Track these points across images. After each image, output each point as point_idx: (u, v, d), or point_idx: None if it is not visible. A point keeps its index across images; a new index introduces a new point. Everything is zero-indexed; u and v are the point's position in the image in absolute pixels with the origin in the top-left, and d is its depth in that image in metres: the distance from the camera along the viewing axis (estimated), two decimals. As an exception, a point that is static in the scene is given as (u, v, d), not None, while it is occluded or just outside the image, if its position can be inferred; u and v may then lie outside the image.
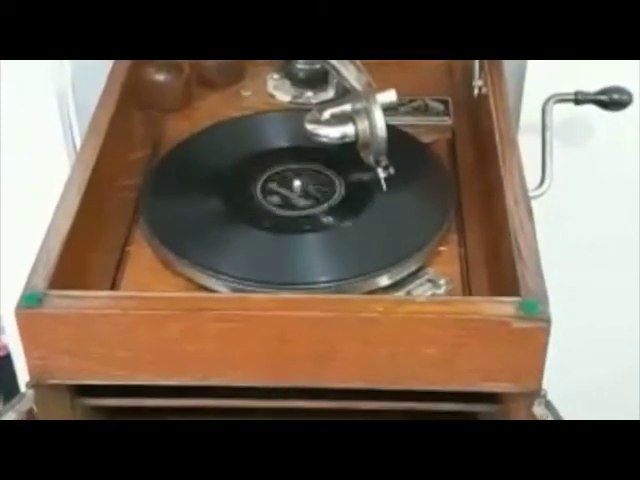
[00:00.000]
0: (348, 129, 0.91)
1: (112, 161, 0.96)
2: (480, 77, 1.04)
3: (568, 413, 0.80)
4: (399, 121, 1.04)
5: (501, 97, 0.99)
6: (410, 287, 0.86)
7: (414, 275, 0.87)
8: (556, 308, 0.77)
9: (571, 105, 1.08)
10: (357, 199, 0.93)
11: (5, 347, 1.37)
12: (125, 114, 1.02)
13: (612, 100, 1.06)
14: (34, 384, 0.81)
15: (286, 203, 0.93)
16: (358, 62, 0.93)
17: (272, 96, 1.11)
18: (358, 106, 0.91)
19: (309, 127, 0.93)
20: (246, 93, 1.12)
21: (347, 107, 0.93)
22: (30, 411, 0.81)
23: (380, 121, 0.89)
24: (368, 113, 0.89)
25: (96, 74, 1.04)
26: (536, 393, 0.79)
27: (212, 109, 1.09)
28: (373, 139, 0.89)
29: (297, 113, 0.99)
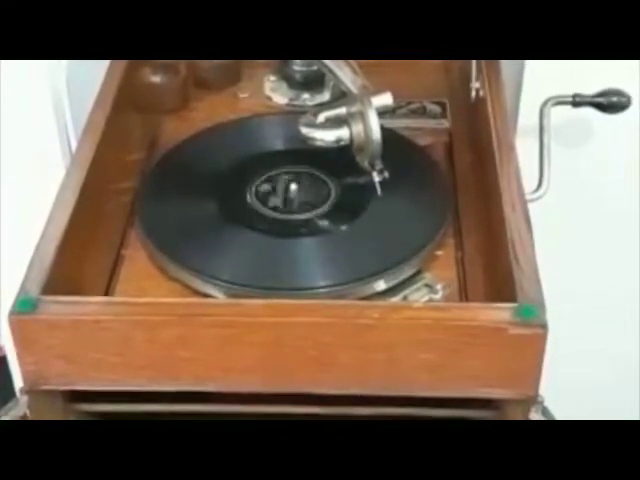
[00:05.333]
0: (343, 132, 0.90)
1: (108, 163, 0.96)
2: (477, 79, 1.03)
3: (567, 414, 0.80)
4: (396, 123, 1.03)
5: (498, 99, 0.98)
6: (407, 292, 0.85)
7: (411, 280, 0.86)
8: (554, 312, 0.77)
9: (569, 108, 1.07)
10: (353, 203, 0.92)
11: (1, 349, 1.36)
12: (121, 115, 1.01)
13: (610, 103, 1.06)
14: (28, 390, 0.80)
15: (282, 207, 0.92)
16: (354, 64, 0.93)
17: (269, 98, 1.10)
18: (353, 109, 0.91)
19: (304, 130, 0.92)
20: (243, 95, 1.12)
21: (342, 110, 0.92)
22: (24, 417, 0.81)
23: (375, 125, 0.88)
24: (363, 116, 0.89)
25: (92, 75, 1.03)
26: (533, 399, 0.79)
27: (209, 111, 1.09)
28: (368, 143, 0.89)
29: (293, 116, 0.98)
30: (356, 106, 0.90)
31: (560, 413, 0.80)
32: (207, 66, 1.11)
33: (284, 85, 1.10)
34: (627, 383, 1.34)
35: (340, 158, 0.93)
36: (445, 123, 1.06)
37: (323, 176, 0.96)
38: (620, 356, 1.32)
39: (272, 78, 1.11)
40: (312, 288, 0.84)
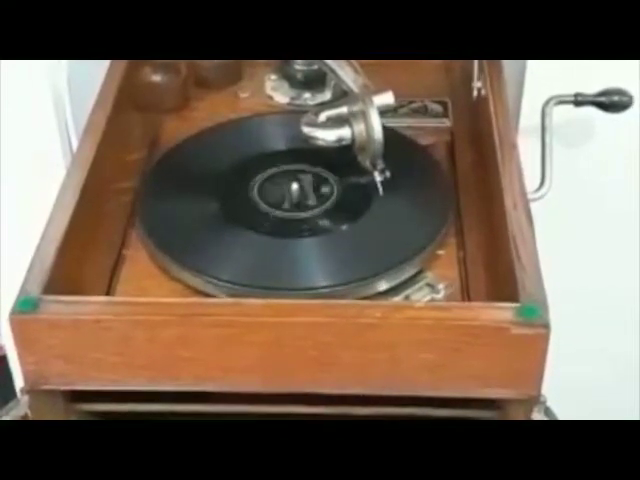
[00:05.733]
0: (344, 132, 0.90)
1: (108, 163, 0.95)
2: (479, 79, 1.03)
3: (567, 413, 0.80)
4: (398, 123, 1.03)
5: (500, 99, 0.98)
6: (408, 292, 0.85)
7: (412, 279, 0.86)
8: (554, 312, 0.76)
9: (571, 107, 1.07)
10: (355, 202, 0.92)
11: (2, 348, 1.36)
12: (122, 115, 1.01)
13: (612, 102, 1.05)
14: (29, 389, 0.80)
15: (283, 206, 0.92)
16: (355, 64, 0.93)
17: (270, 97, 1.10)
18: (355, 108, 0.91)
19: (305, 130, 0.92)
20: (244, 94, 1.11)
21: (344, 109, 0.92)
22: (25, 417, 0.80)
23: (376, 124, 0.88)
24: (365, 116, 0.89)
25: (93, 74, 1.03)
26: (535, 399, 0.79)
27: (209, 110, 1.09)
28: (369, 142, 0.89)
29: (294, 115, 0.98)
30: (357, 105, 0.90)
31: (560, 413, 0.80)
32: (208, 65, 1.11)
33: (285, 84, 1.10)
34: (627, 383, 1.34)
35: (341, 157, 0.93)
36: (447, 122, 1.06)
37: (324, 175, 0.95)
38: (620, 356, 1.32)
39: (273, 77, 1.11)
40: (313, 288, 0.84)
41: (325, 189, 0.94)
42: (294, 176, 0.95)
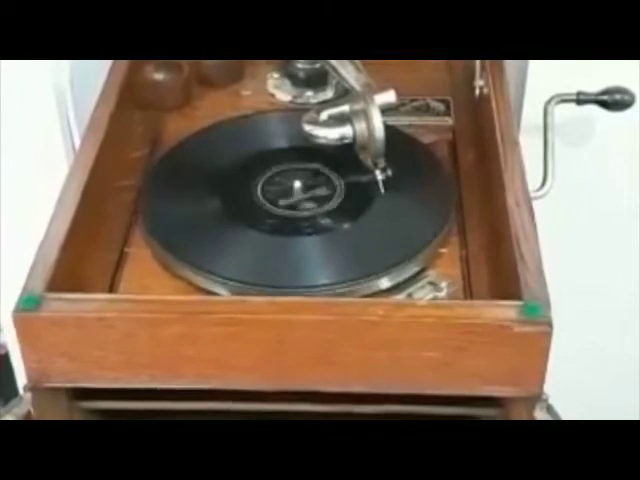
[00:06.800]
0: (346, 130, 0.90)
1: (111, 161, 0.95)
2: (481, 77, 1.03)
3: (567, 413, 0.80)
4: (400, 121, 1.03)
5: (502, 97, 0.98)
6: (411, 290, 0.85)
7: (415, 278, 0.86)
8: (558, 310, 0.76)
9: (573, 105, 1.07)
10: (358, 201, 0.92)
11: (4, 346, 1.36)
12: (124, 113, 1.01)
13: (614, 100, 1.05)
14: (31, 387, 0.80)
15: (286, 205, 0.92)
16: (358, 62, 0.93)
17: (272, 95, 1.10)
18: (356, 107, 0.90)
19: (307, 128, 0.92)
20: (246, 92, 1.11)
21: (345, 108, 0.92)
22: (28, 414, 0.80)
23: (378, 122, 0.88)
24: (366, 114, 0.89)
25: (95, 73, 1.03)
26: (537, 397, 0.79)
27: (212, 108, 1.09)
28: (371, 140, 0.89)
29: (297, 113, 0.98)
30: (359, 104, 0.90)
31: (560, 413, 0.80)
32: (210, 64, 1.11)
33: (287, 82, 1.10)
34: (627, 383, 1.34)
35: (343, 156, 0.93)
36: (449, 120, 1.06)
37: (326, 174, 0.95)
38: (620, 356, 1.32)
39: (275, 75, 1.11)
40: (316, 286, 0.84)
41: (327, 187, 0.94)
42: (296, 174, 0.95)
